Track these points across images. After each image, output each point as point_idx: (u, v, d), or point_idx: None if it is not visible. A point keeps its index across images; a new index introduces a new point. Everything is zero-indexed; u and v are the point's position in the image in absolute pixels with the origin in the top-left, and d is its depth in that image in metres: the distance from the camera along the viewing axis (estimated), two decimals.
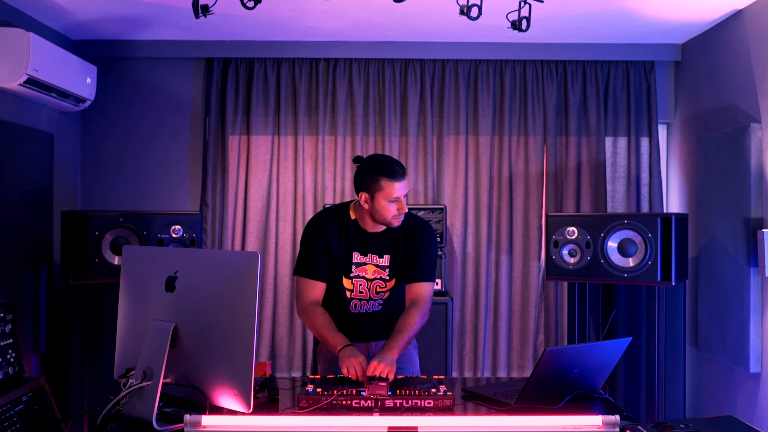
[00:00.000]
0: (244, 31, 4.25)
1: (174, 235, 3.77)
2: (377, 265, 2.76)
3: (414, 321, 2.64)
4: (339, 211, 2.79)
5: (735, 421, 2.11)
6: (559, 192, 4.51)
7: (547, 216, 3.90)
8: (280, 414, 2.23)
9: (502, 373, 4.46)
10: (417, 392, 2.30)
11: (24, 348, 3.74)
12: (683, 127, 4.47)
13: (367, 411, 2.23)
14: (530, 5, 2.75)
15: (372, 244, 2.75)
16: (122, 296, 2.30)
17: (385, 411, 2.23)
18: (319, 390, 2.30)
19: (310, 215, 4.43)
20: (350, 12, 3.85)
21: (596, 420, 2.03)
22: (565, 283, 4.31)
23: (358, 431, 2.06)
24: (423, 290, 2.73)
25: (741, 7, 3.71)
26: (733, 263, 3.61)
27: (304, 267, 2.74)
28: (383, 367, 2.40)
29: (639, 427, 2.04)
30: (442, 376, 2.68)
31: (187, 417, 1.99)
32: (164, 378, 2.07)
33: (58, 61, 3.69)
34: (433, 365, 3.85)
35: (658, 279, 3.57)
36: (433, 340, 3.91)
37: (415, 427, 2.03)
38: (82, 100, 4.03)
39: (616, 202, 4.53)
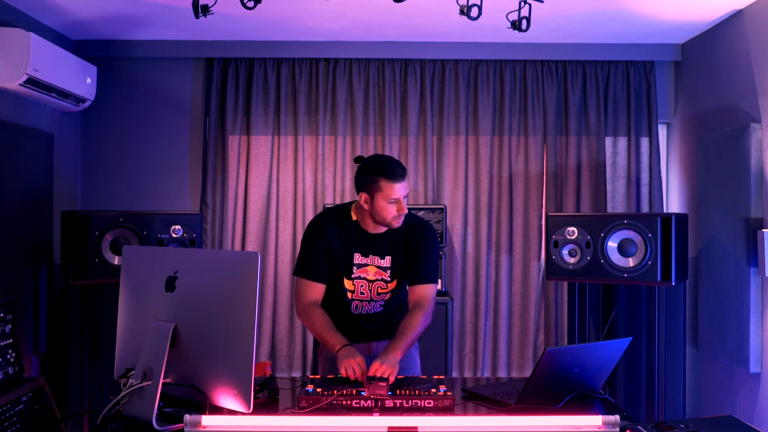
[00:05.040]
0: (244, 31, 4.25)
1: (174, 235, 3.77)
2: (378, 266, 2.76)
3: (417, 322, 2.64)
4: (340, 211, 2.79)
5: (735, 421, 2.11)
6: (559, 192, 4.51)
7: (547, 216, 3.90)
8: (280, 414, 2.24)
9: (502, 373, 4.46)
10: (417, 392, 2.30)
11: (24, 348, 3.74)
12: (683, 127, 4.47)
13: (367, 411, 2.23)
14: (530, 5, 2.75)
15: (373, 245, 2.75)
16: (122, 296, 2.30)
17: (385, 411, 2.23)
18: (319, 390, 2.30)
19: (310, 215, 4.43)
20: (350, 12, 3.85)
21: (596, 420, 2.03)
22: (565, 283, 4.32)
23: (358, 431, 2.06)
24: (426, 292, 2.73)
25: (741, 7, 3.71)
26: (733, 263, 3.61)
27: (303, 268, 2.74)
28: (385, 369, 2.40)
29: (639, 427, 2.04)
30: (442, 376, 2.68)
31: (187, 417, 1.99)
32: (164, 378, 2.07)
33: (58, 61, 3.69)
34: (433, 365, 3.85)
35: (658, 279, 3.57)
36: (433, 340, 3.91)
37: (415, 427, 2.03)
38: (82, 100, 4.03)
39: (616, 202, 4.53)
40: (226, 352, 2.04)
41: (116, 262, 3.66)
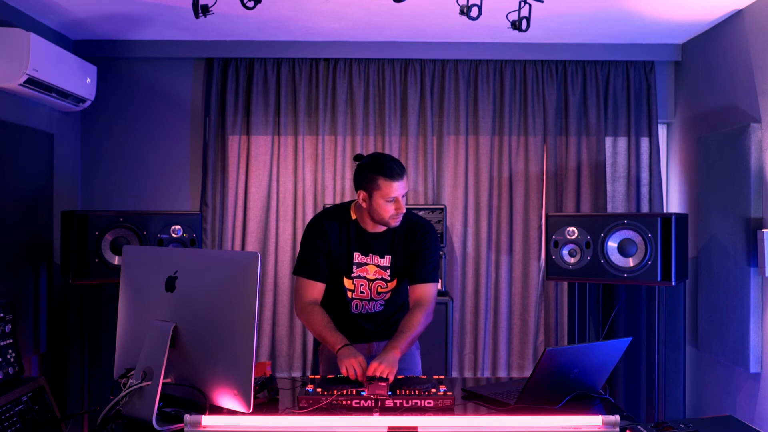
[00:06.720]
0: (244, 31, 4.25)
1: (174, 235, 3.77)
2: (378, 266, 2.76)
3: (418, 321, 2.64)
4: (340, 211, 2.79)
5: (735, 421, 2.11)
6: (559, 192, 4.51)
7: (547, 216, 3.90)
8: (280, 414, 2.24)
9: (502, 373, 4.46)
10: (417, 392, 2.30)
11: (24, 348, 3.74)
12: (683, 127, 4.47)
13: (367, 411, 2.23)
14: (530, 5, 2.75)
15: (373, 244, 2.75)
16: (122, 296, 2.30)
17: (385, 411, 2.23)
18: (319, 390, 2.30)
19: (310, 215, 4.43)
20: (350, 12, 3.85)
21: (596, 420, 2.03)
22: (565, 283, 4.32)
23: (358, 431, 2.06)
24: (427, 291, 2.73)
25: (741, 7, 3.71)
26: (733, 263, 3.61)
27: (303, 267, 2.74)
28: (384, 368, 2.40)
29: (639, 427, 2.04)
30: (442, 376, 2.68)
31: (187, 417, 1.99)
32: (164, 378, 2.07)
33: (58, 61, 3.69)
34: (434, 365, 3.85)
35: (658, 279, 3.57)
36: (433, 340, 3.91)
37: (415, 427, 2.03)
38: (82, 100, 4.03)
39: (616, 202, 4.53)
40: (226, 352, 2.04)
41: (116, 262, 3.65)
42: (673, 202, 4.57)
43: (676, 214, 3.58)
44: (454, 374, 4.40)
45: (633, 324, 4.33)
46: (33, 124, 3.90)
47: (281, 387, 2.51)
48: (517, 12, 2.75)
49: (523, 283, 4.51)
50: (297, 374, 4.42)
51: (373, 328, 2.83)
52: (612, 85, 4.48)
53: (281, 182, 4.49)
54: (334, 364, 2.59)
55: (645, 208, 4.47)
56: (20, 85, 3.43)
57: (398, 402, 2.25)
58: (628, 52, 4.46)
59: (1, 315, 2.60)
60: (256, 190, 4.48)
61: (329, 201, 4.45)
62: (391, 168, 2.61)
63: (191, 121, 4.58)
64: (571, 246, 3.78)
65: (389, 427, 2.03)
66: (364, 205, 2.67)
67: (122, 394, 2.08)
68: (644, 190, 4.48)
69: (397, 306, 2.87)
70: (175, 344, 2.11)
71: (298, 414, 2.18)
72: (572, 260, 3.78)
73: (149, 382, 2.05)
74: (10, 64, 3.40)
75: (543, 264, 4.42)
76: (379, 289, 2.78)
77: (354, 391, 2.31)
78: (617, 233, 3.67)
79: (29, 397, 2.55)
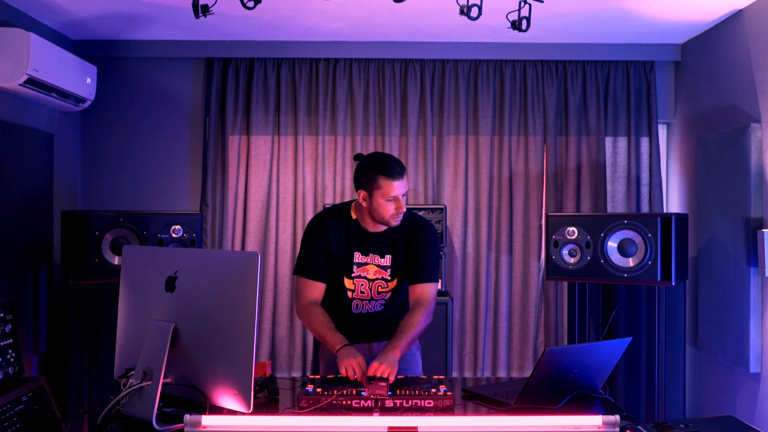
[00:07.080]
0: (244, 31, 4.25)
1: (174, 235, 3.77)
2: (379, 265, 2.76)
3: (417, 321, 2.64)
4: (340, 210, 2.79)
5: (735, 421, 2.11)
6: (559, 192, 4.51)
7: (547, 216, 3.90)
8: (280, 414, 2.24)
9: (502, 373, 4.46)
10: (417, 392, 2.30)
11: (24, 348, 3.74)
12: (683, 127, 4.47)
13: (367, 411, 2.23)
14: (530, 5, 2.75)
15: (373, 244, 2.75)
16: (122, 296, 2.30)
17: (385, 411, 2.23)
18: (319, 390, 2.30)
19: (310, 215, 4.43)
20: (350, 12, 3.85)
21: (596, 420, 2.03)
22: (565, 283, 4.32)
23: (358, 431, 2.06)
24: (427, 291, 2.73)
25: (741, 7, 3.71)
26: (733, 263, 3.61)
27: (303, 267, 2.74)
28: (384, 368, 2.40)
29: (639, 427, 2.04)
30: (442, 376, 2.68)
31: (187, 417, 2.00)
32: (164, 378, 2.07)
33: (58, 61, 3.69)
34: (434, 365, 3.85)
35: (658, 279, 3.57)
36: (433, 340, 3.91)
37: (415, 427, 2.03)
38: (82, 100, 4.03)
39: (616, 202, 4.53)
40: (226, 352, 2.04)
41: (116, 262, 3.65)
42: (673, 202, 4.57)
43: (676, 214, 3.58)
44: (454, 374, 4.40)
45: (633, 324, 4.33)
46: (33, 124, 3.90)
47: (281, 387, 2.51)
48: (517, 12, 2.75)
49: (523, 283, 4.51)
50: (297, 374, 4.42)
51: (373, 328, 2.83)
52: (612, 85, 4.48)
53: (281, 182, 4.49)
54: (334, 364, 2.58)
55: (645, 208, 4.47)
56: (20, 85, 3.44)
57: (398, 402, 2.26)
58: (628, 52, 4.46)
59: (1, 315, 2.60)
60: (256, 190, 4.48)
61: (329, 201, 4.45)
62: (392, 167, 2.62)
63: (191, 121, 4.58)
64: (571, 246, 3.78)
65: (389, 427, 2.03)
66: (364, 204, 2.67)
67: (122, 394, 2.08)
68: (644, 190, 4.48)
69: (398, 306, 2.87)
70: (175, 344, 2.11)
71: (298, 414, 2.18)
72: (572, 260, 3.78)
73: (149, 382, 2.05)
74: (10, 64, 3.40)
75: (543, 264, 4.42)
76: (380, 289, 2.78)
77: (354, 391, 2.31)
78: (617, 233, 3.67)
79: (29, 397, 2.55)
